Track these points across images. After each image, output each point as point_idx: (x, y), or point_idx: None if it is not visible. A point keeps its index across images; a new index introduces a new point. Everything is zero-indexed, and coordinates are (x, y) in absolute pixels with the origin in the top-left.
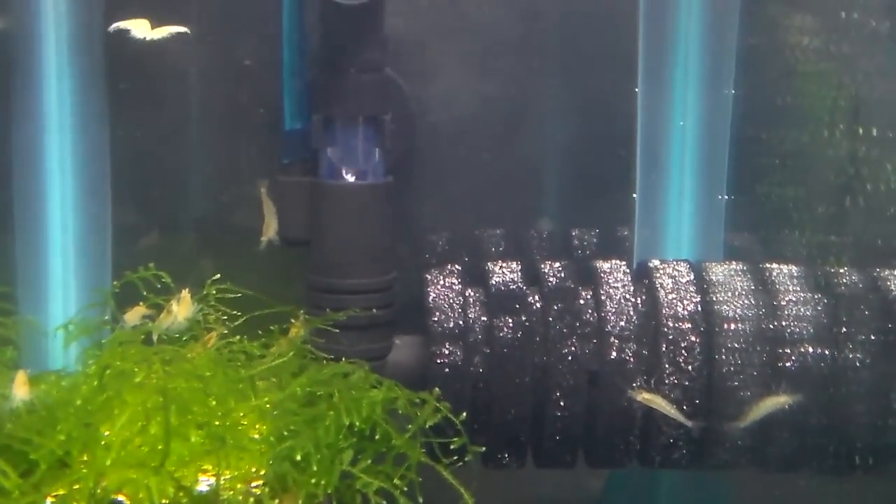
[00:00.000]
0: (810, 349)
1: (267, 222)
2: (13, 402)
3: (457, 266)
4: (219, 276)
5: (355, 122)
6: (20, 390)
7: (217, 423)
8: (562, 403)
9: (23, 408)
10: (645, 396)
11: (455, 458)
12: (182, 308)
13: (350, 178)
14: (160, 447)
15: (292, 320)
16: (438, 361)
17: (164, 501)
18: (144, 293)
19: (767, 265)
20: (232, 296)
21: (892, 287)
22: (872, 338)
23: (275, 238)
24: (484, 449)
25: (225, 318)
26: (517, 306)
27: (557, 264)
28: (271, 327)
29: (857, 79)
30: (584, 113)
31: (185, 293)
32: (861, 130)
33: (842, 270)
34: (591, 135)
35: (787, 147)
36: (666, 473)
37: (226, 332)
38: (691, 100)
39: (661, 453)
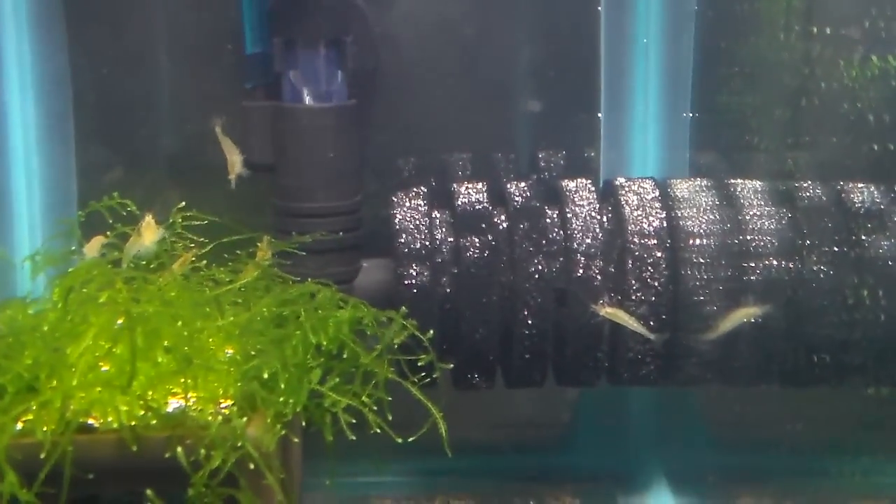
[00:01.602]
0: (775, 262)
1: (231, 160)
2: None
3: (423, 188)
4: (184, 203)
5: (317, 45)
6: None
7: (185, 345)
8: (529, 322)
9: None
10: (608, 311)
11: (423, 375)
12: (148, 232)
13: (313, 101)
14: (127, 368)
15: (258, 244)
16: (406, 283)
17: (132, 423)
18: (111, 222)
19: (732, 181)
20: (198, 223)
21: (855, 199)
22: (836, 250)
23: (242, 172)
24: (452, 365)
25: (192, 245)
26: (483, 226)
27: (523, 184)
28: (238, 252)
29: None
30: (548, 33)
31: (149, 217)
32: (815, 30)
33: (805, 184)
34: (556, 55)
35: (744, 54)
36: (635, 393)
37: (194, 259)
38: (654, 17)
39: (629, 370)
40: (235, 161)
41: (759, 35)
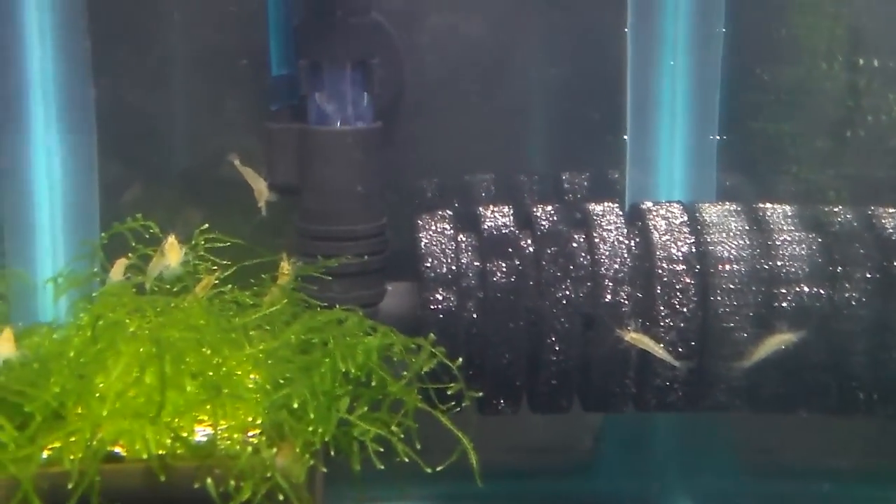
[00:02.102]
0: (805, 288)
1: (257, 189)
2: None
3: (448, 211)
4: (207, 225)
5: (343, 67)
6: (4, 347)
7: (212, 372)
8: (556, 348)
9: (15, 361)
10: (633, 336)
11: (451, 404)
12: (172, 253)
13: (338, 124)
14: (156, 397)
15: (282, 263)
16: (432, 307)
17: (160, 452)
18: (133, 244)
19: (761, 205)
20: (221, 245)
21: (887, 224)
22: (868, 276)
23: (270, 197)
24: (481, 394)
25: (215, 267)
26: (510, 250)
27: (550, 207)
28: (262, 276)
29: (856, 8)
30: (574, 54)
31: (172, 238)
32: (861, 61)
33: (836, 209)
34: (581, 76)
35: (781, 82)
36: (660, 418)
37: (217, 281)
38: (682, 39)
39: (657, 396)
40: (262, 189)
41: (797, 63)
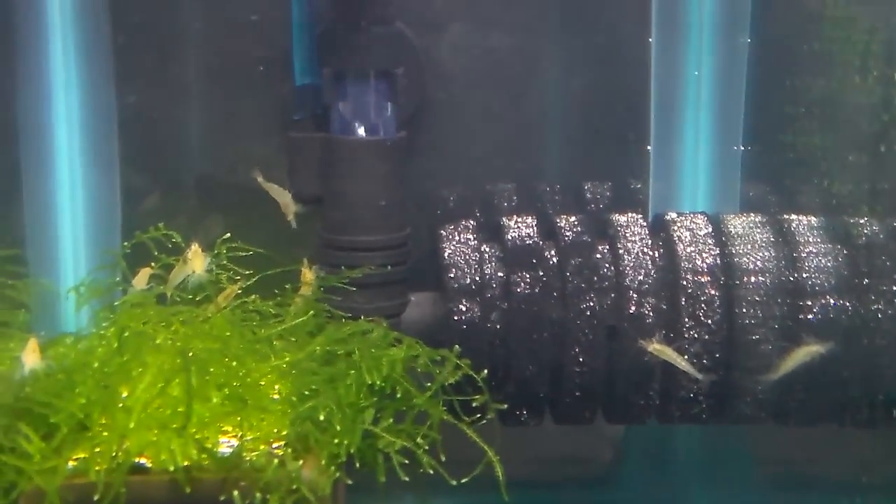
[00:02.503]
0: (832, 301)
1: (283, 204)
2: (24, 370)
3: (471, 221)
4: (229, 235)
5: (367, 77)
6: (30, 358)
7: (237, 383)
8: (580, 359)
9: (40, 371)
10: (656, 347)
11: (476, 416)
12: (196, 260)
13: (362, 134)
14: (181, 409)
15: (304, 271)
16: (455, 318)
17: (186, 464)
18: (155, 253)
19: (787, 216)
20: (243, 254)
21: None
22: (895, 288)
23: (298, 209)
24: (505, 406)
25: (237, 277)
26: (534, 261)
27: (573, 218)
28: (285, 286)
29: (893, 23)
30: (597, 63)
31: (195, 246)
32: None
33: (862, 220)
34: (604, 86)
35: (813, 94)
36: (682, 429)
37: (240, 290)
38: (706, 49)
39: (681, 408)
40: (288, 202)
41: (829, 76)
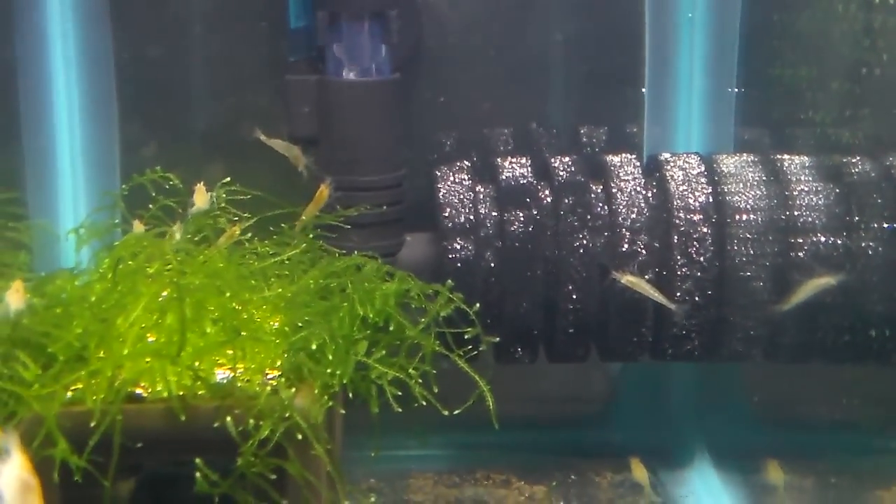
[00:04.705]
0: (822, 238)
1: (292, 156)
2: (8, 310)
3: (466, 162)
4: (229, 179)
5: (361, 18)
6: (14, 298)
7: (231, 316)
8: (574, 296)
9: (39, 304)
10: (629, 279)
11: (468, 349)
12: (198, 197)
13: (357, 75)
14: (176, 338)
15: (322, 187)
16: (450, 256)
17: (181, 392)
18: (153, 194)
19: (779, 156)
20: (241, 198)
21: None
22: (885, 226)
23: (307, 161)
24: (498, 339)
25: (236, 218)
26: (528, 200)
27: (567, 158)
28: (283, 225)
29: None
30: (592, 6)
31: (201, 185)
32: (877, 0)
33: (854, 159)
34: (599, 29)
35: (799, 26)
36: (676, 367)
37: (238, 232)
38: None
39: (674, 345)
40: (297, 154)
41: (814, 6)
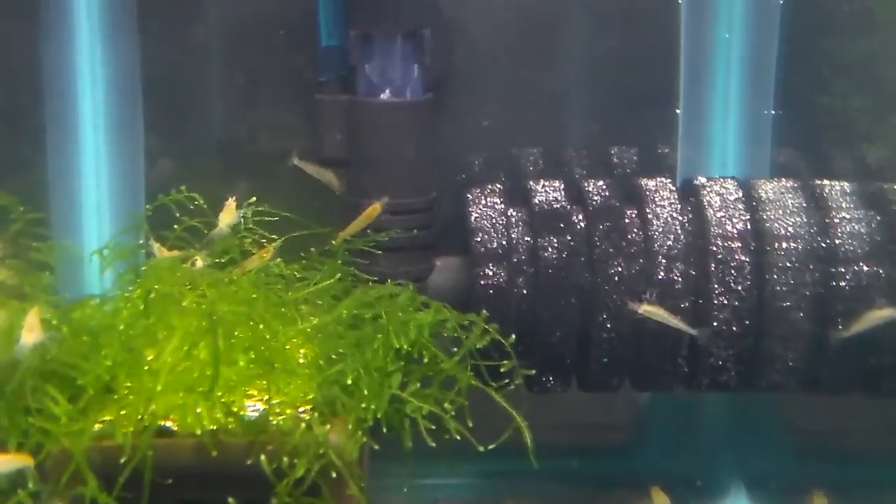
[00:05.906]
0: (865, 267)
1: (326, 180)
2: (24, 347)
3: (498, 185)
4: (255, 199)
5: (394, 38)
6: (30, 336)
7: (263, 347)
8: (608, 325)
9: (67, 333)
10: (646, 309)
11: (504, 381)
12: (227, 213)
13: (388, 96)
14: (208, 372)
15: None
16: (482, 283)
17: (212, 427)
18: (178, 215)
19: (819, 182)
20: (268, 219)
21: None
22: None
23: (343, 185)
24: (533, 371)
25: (264, 240)
26: (561, 225)
27: (601, 182)
28: (311, 249)
29: None
30: (626, 26)
31: (231, 201)
32: None
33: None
34: (633, 48)
35: (853, 56)
36: (710, 396)
37: (265, 255)
38: (738, 11)
39: (710, 376)
40: (330, 178)
41: (871, 37)
